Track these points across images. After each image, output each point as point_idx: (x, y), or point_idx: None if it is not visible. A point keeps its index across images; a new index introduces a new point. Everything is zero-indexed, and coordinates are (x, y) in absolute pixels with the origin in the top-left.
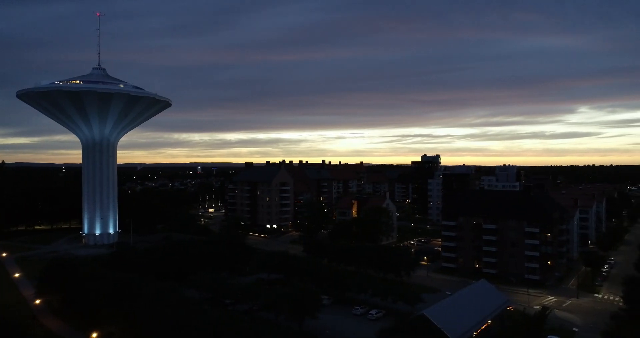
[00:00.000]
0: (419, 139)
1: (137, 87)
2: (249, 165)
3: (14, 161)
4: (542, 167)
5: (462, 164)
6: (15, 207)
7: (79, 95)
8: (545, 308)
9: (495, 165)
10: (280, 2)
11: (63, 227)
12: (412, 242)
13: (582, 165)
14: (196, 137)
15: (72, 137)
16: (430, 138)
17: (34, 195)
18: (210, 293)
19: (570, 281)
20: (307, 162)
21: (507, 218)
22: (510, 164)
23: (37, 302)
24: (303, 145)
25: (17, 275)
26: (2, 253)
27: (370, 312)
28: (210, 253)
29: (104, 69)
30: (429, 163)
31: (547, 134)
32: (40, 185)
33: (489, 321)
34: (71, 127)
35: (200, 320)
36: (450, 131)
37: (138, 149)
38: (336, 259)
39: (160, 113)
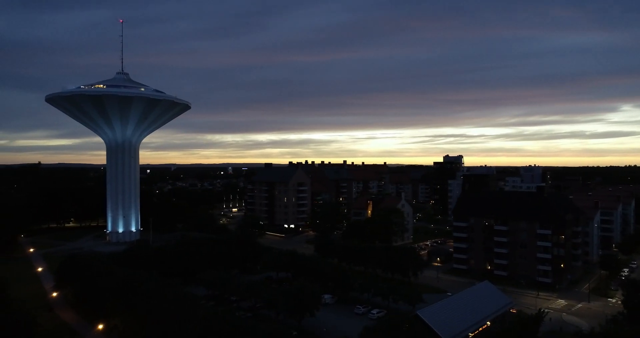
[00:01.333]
0: (451, 139)
1: (157, 91)
2: (268, 165)
3: (55, 162)
4: (580, 167)
5: (494, 165)
6: (46, 206)
7: (101, 99)
8: (541, 310)
9: (532, 165)
10: (307, 3)
11: (91, 224)
12: (427, 243)
13: (623, 165)
14: (228, 138)
15: None
16: (463, 138)
17: (65, 194)
18: (216, 291)
19: (585, 285)
20: (329, 162)
21: (518, 220)
22: (547, 165)
23: (54, 294)
24: (333, 146)
25: (39, 269)
26: (30, 249)
27: (372, 312)
28: (221, 252)
29: (126, 74)
30: (452, 163)
31: (587, 133)
32: (72, 185)
33: (489, 322)
34: (96, 129)
35: (192, 314)
36: (484, 131)
37: (173, 149)
38: (346, 259)
39: (194, 115)
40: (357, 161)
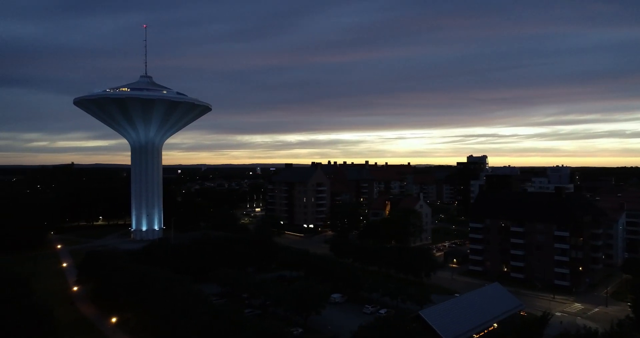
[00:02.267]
0: (482, 139)
1: (179, 93)
2: (288, 166)
3: (92, 162)
4: (617, 168)
5: (527, 165)
6: (76, 205)
7: (124, 101)
8: (546, 312)
9: (568, 166)
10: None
11: (118, 223)
12: (445, 244)
13: None
14: (258, 138)
15: None
16: (495, 138)
17: (94, 194)
18: (229, 288)
19: (605, 289)
20: (352, 163)
21: (535, 221)
22: (583, 165)
23: (75, 289)
24: (362, 146)
25: (64, 265)
26: (58, 246)
27: (380, 311)
28: (236, 251)
29: (150, 77)
30: (475, 163)
31: (627, 132)
32: (101, 185)
33: (495, 324)
34: (121, 131)
35: (196, 310)
36: (516, 130)
37: (204, 150)
38: (360, 259)
39: (224, 116)
40: (386, 161)
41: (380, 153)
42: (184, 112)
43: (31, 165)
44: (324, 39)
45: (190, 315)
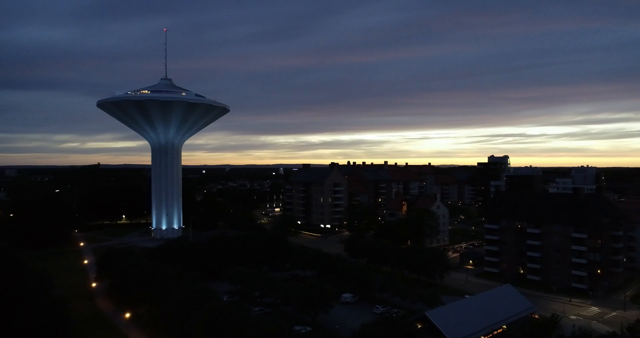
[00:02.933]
0: (509, 138)
1: (198, 95)
2: (305, 166)
3: (121, 163)
4: None
5: (556, 166)
6: (101, 204)
7: (144, 103)
8: (555, 315)
9: (600, 166)
10: (361, 3)
11: (141, 222)
12: (463, 245)
13: None
14: (281, 139)
15: None
16: (523, 137)
17: (117, 193)
18: (241, 286)
19: (626, 293)
20: (372, 163)
21: (552, 223)
22: (615, 165)
23: (93, 284)
24: (385, 147)
25: (85, 261)
26: (81, 243)
27: (389, 312)
28: (250, 249)
29: (170, 79)
30: (496, 164)
31: None
32: (125, 185)
33: (504, 326)
34: (141, 132)
35: (202, 306)
36: (545, 130)
37: (228, 151)
38: (373, 259)
39: (248, 117)
40: (410, 162)
41: (404, 153)
42: (202, 113)
43: (63, 166)
44: (348, 39)
45: (196, 311)
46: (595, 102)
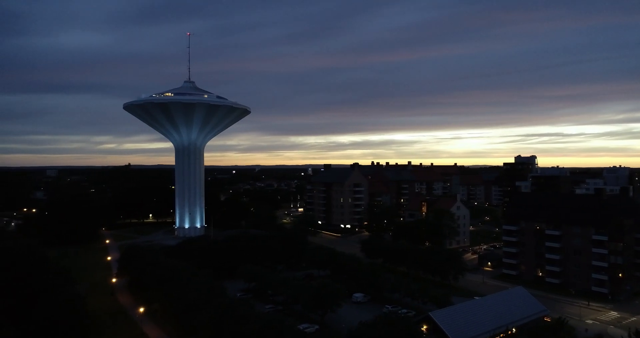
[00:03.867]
0: (545, 138)
1: (220, 97)
2: (326, 166)
3: (155, 163)
4: None
5: (596, 166)
6: (128, 203)
7: (167, 106)
8: (561, 319)
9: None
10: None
11: (167, 220)
12: (484, 246)
13: None
14: (311, 140)
15: (210, 141)
16: (560, 137)
17: (145, 193)
18: (254, 284)
19: None
20: (396, 163)
21: (572, 224)
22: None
23: (114, 280)
24: (416, 147)
25: (109, 258)
26: (107, 241)
27: (399, 312)
28: (265, 248)
29: (193, 82)
30: (523, 164)
31: None
32: (152, 185)
33: (514, 329)
34: (165, 134)
35: (212, 303)
36: (583, 129)
37: (258, 151)
38: (389, 260)
39: (279, 117)
40: (441, 162)
41: (435, 154)
42: (224, 114)
43: (100, 166)
44: (378, 39)
45: (204, 307)
46: (637, 100)
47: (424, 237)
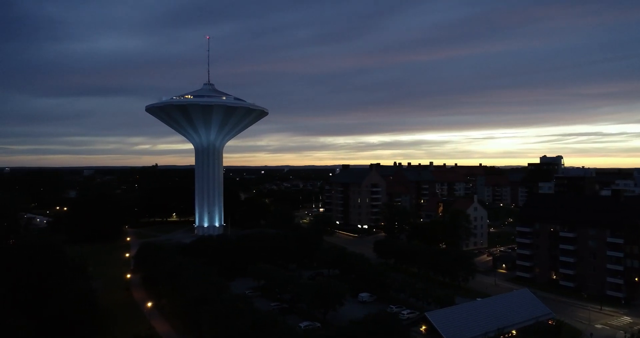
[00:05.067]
0: (584, 138)
1: (238, 99)
2: (345, 166)
3: (187, 164)
4: None
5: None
6: (152, 202)
7: (185, 108)
8: (559, 321)
9: None
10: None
11: (189, 219)
12: (501, 248)
13: None
14: (340, 140)
15: (241, 142)
16: (599, 136)
17: (169, 192)
18: (264, 282)
19: None
20: (419, 164)
21: (587, 226)
22: None
23: (128, 276)
24: (447, 147)
25: (127, 255)
26: (128, 238)
27: (402, 312)
28: (277, 247)
29: (212, 84)
30: (549, 164)
31: None
32: (177, 184)
33: (514, 331)
34: (186, 135)
35: (212, 299)
36: (625, 128)
37: (288, 152)
38: (401, 260)
39: (309, 118)
40: (474, 162)
41: (468, 154)
42: (241, 116)
43: (135, 166)
44: (409, 38)
45: (205, 302)
46: None
47: (438, 238)
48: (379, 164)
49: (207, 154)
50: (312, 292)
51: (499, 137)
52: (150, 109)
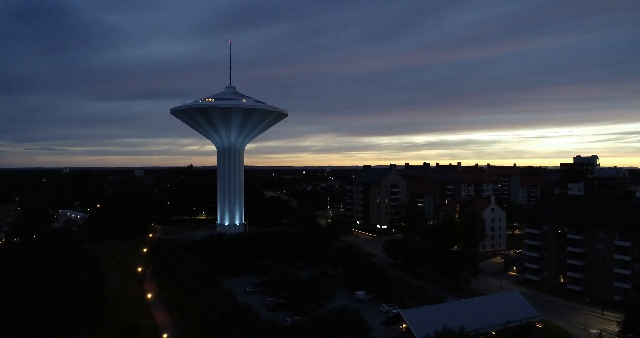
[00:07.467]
0: None
1: (258, 101)
2: (366, 167)
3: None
4: None
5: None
6: (182, 201)
7: (206, 110)
8: (530, 324)
9: None
10: None
11: (215, 218)
12: (518, 250)
13: None
14: (385, 140)
15: (285, 143)
16: None
17: (198, 191)
18: (265, 278)
19: None
20: (450, 164)
21: (596, 228)
22: None
23: (139, 269)
24: (497, 147)
25: (144, 250)
26: (152, 235)
27: (392, 311)
28: (287, 246)
29: (233, 87)
30: (582, 165)
31: None
32: (205, 184)
33: (493, 332)
34: (208, 136)
35: (204, 291)
36: None
37: (332, 152)
38: (408, 261)
39: (354, 118)
40: (526, 163)
41: (519, 154)
42: (260, 118)
43: (183, 166)
44: (457, 35)
45: (193, 294)
46: None
47: (452, 239)
48: (395, 165)
49: (229, 155)
50: (304, 289)
51: (552, 136)
52: (175, 112)
